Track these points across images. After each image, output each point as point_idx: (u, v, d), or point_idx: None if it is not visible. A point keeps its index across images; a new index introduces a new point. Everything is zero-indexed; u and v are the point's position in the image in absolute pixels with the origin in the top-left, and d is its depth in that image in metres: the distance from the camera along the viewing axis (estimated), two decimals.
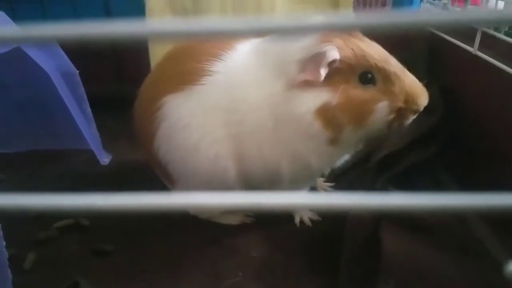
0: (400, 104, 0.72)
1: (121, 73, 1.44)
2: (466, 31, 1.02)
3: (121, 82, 1.43)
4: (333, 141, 0.74)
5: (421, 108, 0.75)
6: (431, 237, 0.73)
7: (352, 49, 0.71)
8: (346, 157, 0.86)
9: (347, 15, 0.24)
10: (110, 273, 0.77)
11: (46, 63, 0.95)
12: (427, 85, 0.76)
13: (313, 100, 0.72)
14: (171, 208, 0.27)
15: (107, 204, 0.26)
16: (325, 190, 1.00)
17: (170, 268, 0.78)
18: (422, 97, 0.74)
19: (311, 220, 0.89)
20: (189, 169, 0.80)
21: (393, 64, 0.73)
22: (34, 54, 0.92)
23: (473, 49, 0.94)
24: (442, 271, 0.67)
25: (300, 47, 0.72)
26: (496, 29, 0.98)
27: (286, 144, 0.76)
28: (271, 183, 0.82)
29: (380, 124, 0.73)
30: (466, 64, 1.00)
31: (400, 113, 0.73)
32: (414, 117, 0.75)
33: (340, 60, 0.70)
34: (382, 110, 0.72)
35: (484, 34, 0.92)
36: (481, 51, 0.92)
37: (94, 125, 1.08)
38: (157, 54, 1.14)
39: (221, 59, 0.78)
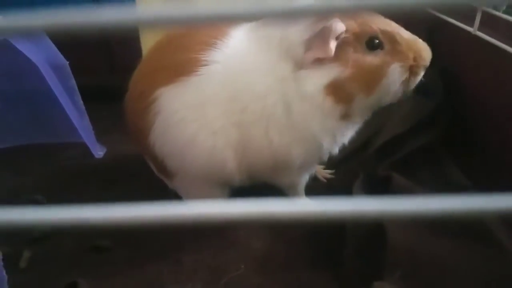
0: (411, 62, 0.73)
1: (112, 64, 1.40)
2: (465, 11, 1.00)
3: (113, 72, 1.39)
4: (345, 116, 0.74)
5: (428, 63, 0.75)
6: (437, 225, 0.72)
7: (353, 19, 0.71)
8: (347, 137, 0.84)
9: None
10: (109, 270, 0.76)
11: (34, 55, 0.92)
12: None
13: (322, 77, 0.71)
14: (180, 220, 0.25)
15: (109, 217, 0.24)
16: (325, 177, 0.99)
17: (170, 263, 0.77)
18: (427, 51, 0.75)
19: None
20: (187, 162, 0.78)
21: (394, 25, 0.74)
22: (22, 46, 0.89)
23: (473, 29, 0.92)
24: (448, 261, 0.66)
25: (303, 27, 0.71)
26: (495, 8, 0.96)
27: (298, 127, 0.74)
28: (275, 171, 0.80)
29: (395, 86, 0.73)
30: (466, 45, 0.97)
31: (411, 71, 0.73)
32: (423, 73, 0.75)
33: (346, 31, 0.70)
34: (395, 71, 0.72)
35: (484, 14, 0.90)
36: (481, 31, 0.90)
37: (86, 118, 1.05)
38: (149, 43, 1.11)
39: (217, 48, 0.75)
